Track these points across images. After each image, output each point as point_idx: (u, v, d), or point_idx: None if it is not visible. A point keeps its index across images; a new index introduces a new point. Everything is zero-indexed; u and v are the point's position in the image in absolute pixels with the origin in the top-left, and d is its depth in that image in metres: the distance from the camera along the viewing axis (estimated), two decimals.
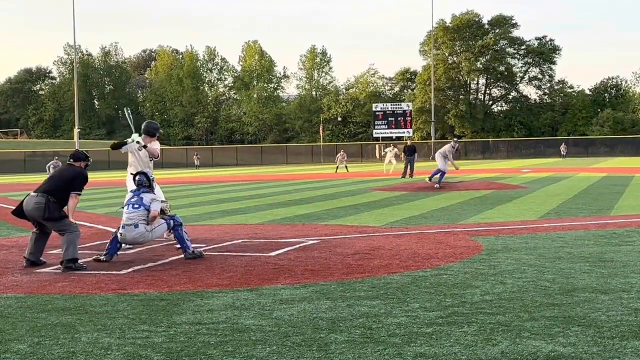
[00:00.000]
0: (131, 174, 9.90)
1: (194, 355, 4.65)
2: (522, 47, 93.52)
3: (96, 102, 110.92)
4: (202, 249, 9.41)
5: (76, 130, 70.61)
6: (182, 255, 8.88)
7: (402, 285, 6.87)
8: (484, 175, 32.23)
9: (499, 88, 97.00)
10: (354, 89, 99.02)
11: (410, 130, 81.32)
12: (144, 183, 9.16)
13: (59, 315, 5.90)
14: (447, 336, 4.95)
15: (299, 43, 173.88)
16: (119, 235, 8.77)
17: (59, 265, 8.25)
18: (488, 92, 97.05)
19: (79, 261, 8.26)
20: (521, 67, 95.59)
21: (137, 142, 9.99)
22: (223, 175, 43.07)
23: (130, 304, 6.25)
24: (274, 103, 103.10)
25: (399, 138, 78.37)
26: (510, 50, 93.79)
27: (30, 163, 68.35)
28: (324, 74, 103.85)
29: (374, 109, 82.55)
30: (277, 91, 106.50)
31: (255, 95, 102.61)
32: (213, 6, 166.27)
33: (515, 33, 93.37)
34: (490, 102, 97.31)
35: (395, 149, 39.91)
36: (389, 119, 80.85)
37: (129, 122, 10.44)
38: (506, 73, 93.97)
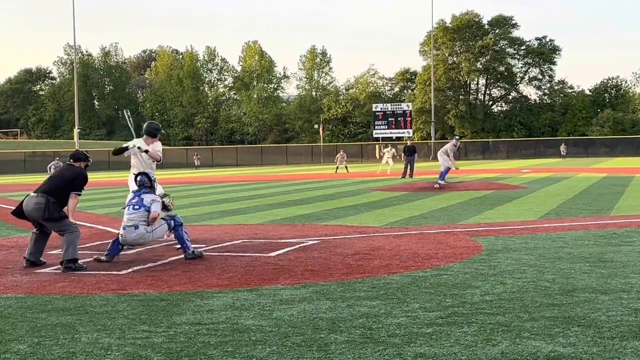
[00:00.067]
0: (133, 174, 9.90)
1: (193, 355, 4.65)
2: (522, 48, 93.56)
3: (96, 103, 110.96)
4: (202, 250, 9.41)
5: (76, 131, 70.64)
6: (182, 256, 8.88)
7: (402, 285, 6.87)
8: (484, 176, 32.23)
9: (499, 88, 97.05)
10: (354, 90, 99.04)
11: (410, 131, 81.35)
12: (146, 184, 9.16)
13: (59, 315, 5.90)
14: (447, 336, 4.95)
15: (299, 43, 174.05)
16: (120, 236, 8.78)
17: (59, 266, 8.25)
18: (488, 92, 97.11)
19: (79, 261, 8.26)
20: (521, 67, 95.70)
21: (139, 148, 9.97)
22: (223, 176, 43.08)
23: (130, 304, 6.25)
24: (274, 103, 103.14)
25: (399, 138, 78.41)
26: (510, 50, 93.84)
27: (30, 163, 68.35)
28: (324, 75, 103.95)
29: (374, 110, 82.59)
30: (277, 91, 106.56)
31: (255, 96, 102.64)
32: (213, 6, 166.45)
33: (515, 33, 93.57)
34: (490, 103, 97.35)
35: (394, 150, 39.80)
36: (389, 119, 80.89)
37: (129, 124, 10.43)
38: (506, 73, 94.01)
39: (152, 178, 9.32)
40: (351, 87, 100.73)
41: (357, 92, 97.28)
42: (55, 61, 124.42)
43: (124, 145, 10.23)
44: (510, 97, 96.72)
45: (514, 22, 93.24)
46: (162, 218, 9.05)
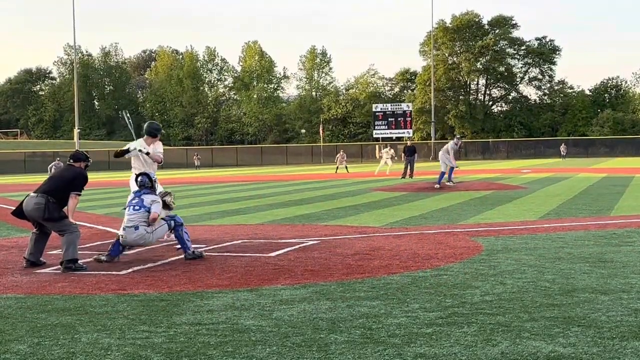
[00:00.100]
0: (135, 174, 9.89)
1: (193, 355, 4.65)
2: (522, 48, 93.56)
3: (96, 103, 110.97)
4: (202, 250, 9.41)
5: (76, 131, 70.64)
6: (182, 256, 8.88)
7: (402, 285, 6.87)
8: (484, 176, 32.24)
9: (499, 88, 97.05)
10: (354, 90, 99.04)
11: (410, 131, 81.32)
12: (146, 184, 9.16)
13: (59, 315, 5.90)
14: (447, 337, 4.95)
15: (299, 43, 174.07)
16: (120, 237, 8.78)
17: (59, 266, 8.25)
18: (488, 92, 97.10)
19: (79, 262, 8.26)
20: (521, 67, 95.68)
21: (140, 150, 9.95)
22: (223, 176, 43.08)
23: (130, 305, 6.25)
24: (273, 103, 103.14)
25: (399, 138, 78.40)
26: (510, 50, 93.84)
27: (30, 163, 68.35)
28: (324, 75, 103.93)
29: (374, 110, 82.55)
30: (277, 92, 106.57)
31: (255, 96, 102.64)
32: (213, 6, 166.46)
33: (515, 33, 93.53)
34: (490, 103, 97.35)
35: (392, 151, 39.66)
36: (389, 119, 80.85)
37: (129, 126, 10.42)
38: (506, 73, 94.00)
39: (153, 178, 9.32)
40: (351, 87, 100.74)
41: (357, 93, 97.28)
42: (55, 61, 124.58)
43: (125, 147, 10.21)
44: (510, 97, 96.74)
45: (514, 22, 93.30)
46: (162, 218, 9.05)
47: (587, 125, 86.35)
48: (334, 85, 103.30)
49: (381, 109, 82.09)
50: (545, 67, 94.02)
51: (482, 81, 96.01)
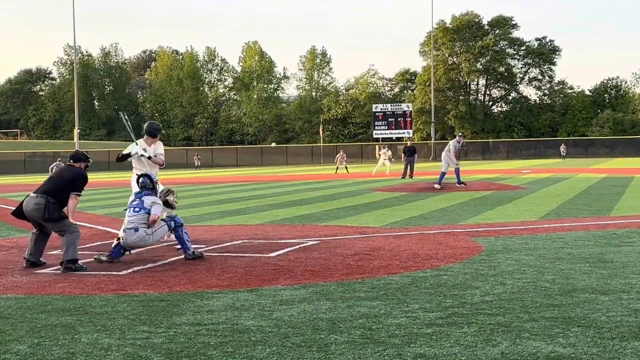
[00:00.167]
0: (136, 174, 9.88)
1: (193, 356, 4.65)
2: (522, 48, 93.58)
3: (96, 103, 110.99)
4: (202, 250, 9.41)
5: (76, 131, 70.68)
6: (182, 256, 8.88)
7: (402, 286, 6.88)
8: (483, 176, 32.24)
9: (499, 89, 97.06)
10: (354, 90, 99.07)
11: (410, 131, 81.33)
12: (148, 185, 9.16)
13: (59, 316, 5.90)
14: (447, 337, 4.95)
15: (299, 43, 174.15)
16: (121, 239, 8.79)
17: (59, 266, 8.25)
18: (488, 92, 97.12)
19: (79, 262, 8.26)
20: (521, 67, 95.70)
21: (142, 156, 9.93)
22: (223, 176, 43.08)
23: (130, 305, 6.25)
24: (273, 104, 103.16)
25: (399, 139, 78.41)
26: (510, 51, 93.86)
27: (30, 164, 68.36)
28: (324, 75, 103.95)
29: (374, 110, 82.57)
30: (277, 92, 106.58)
31: (255, 96, 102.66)
32: (213, 6, 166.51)
33: (515, 34, 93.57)
34: (490, 103, 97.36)
35: (390, 152, 39.56)
36: (389, 119, 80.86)
37: (127, 127, 10.39)
38: (506, 74, 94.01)
39: (155, 180, 9.32)
40: (351, 87, 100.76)
41: (357, 93, 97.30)
42: (55, 61, 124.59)
43: (126, 151, 10.16)
44: (510, 97, 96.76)
45: (514, 22, 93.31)
46: (162, 219, 9.04)
47: (587, 126, 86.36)
48: (334, 85, 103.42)
49: (381, 109, 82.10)
50: (545, 67, 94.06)
51: (482, 81, 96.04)
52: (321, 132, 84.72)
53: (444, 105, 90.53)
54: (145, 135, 10.21)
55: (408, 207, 16.09)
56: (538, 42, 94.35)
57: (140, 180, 9.26)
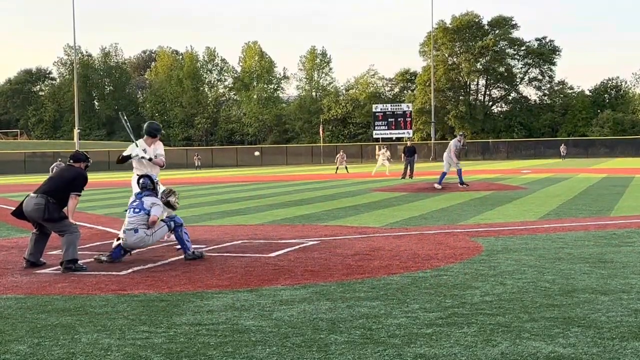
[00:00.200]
0: (137, 175, 9.88)
1: (193, 356, 4.65)
2: (522, 48, 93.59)
3: (96, 103, 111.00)
4: (202, 250, 9.41)
5: (76, 131, 70.69)
6: (182, 256, 8.88)
7: (402, 286, 6.88)
8: (483, 176, 32.24)
9: (499, 89, 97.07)
10: (354, 90, 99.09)
11: (410, 131, 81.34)
12: (148, 186, 9.15)
13: (59, 316, 5.90)
14: (447, 337, 4.95)
15: (299, 43, 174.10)
16: (121, 240, 8.79)
17: (59, 266, 8.25)
18: (488, 93, 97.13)
19: (79, 262, 8.26)
20: (521, 68, 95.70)
21: (142, 158, 9.92)
22: (223, 176, 43.08)
23: (130, 305, 6.25)
24: (273, 104, 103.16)
25: (399, 139, 78.42)
26: (510, 51, 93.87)
27: (30, 164, 68.36)
28: (324, 75, 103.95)
29: (373, 110, 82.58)
30: (277, 92, 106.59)
31: (255, 96, 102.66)
32: (213, 6, 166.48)
33: (515, 34, 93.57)
34: (490, 103, 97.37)
35: (388, 152, 39.52)
36: (389, 119, 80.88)
37: (126, 128, 10.38)
38: (506, 74, 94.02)
39: (155, 180, 9.32)
40: (351, 87, 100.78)
41: (357, 93, 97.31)
42: (55, 62, 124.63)
43: (126, 153, 10.14)
44: (510, 97, 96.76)
45: (513, 22, 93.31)
46: (162, 220, 9.04)
47: (587, 126, 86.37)
48: (334, 85, 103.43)
49: (381, 109, 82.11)
50: (545, 67, 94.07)
51: (482, 81, 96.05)
52: (321, 132, 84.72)
53: (444, 105, 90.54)
54: (145, 136, 10.20)
55: (408, 207, 16.09)
56: (538, 42, 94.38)
57: (141, 180, 9.26)
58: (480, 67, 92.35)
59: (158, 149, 10.16)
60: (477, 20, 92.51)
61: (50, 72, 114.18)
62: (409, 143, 37.91)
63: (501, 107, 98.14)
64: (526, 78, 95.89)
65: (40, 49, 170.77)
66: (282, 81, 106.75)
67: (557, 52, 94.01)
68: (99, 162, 58.76)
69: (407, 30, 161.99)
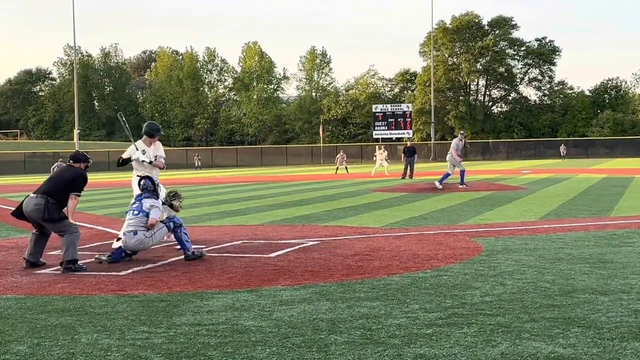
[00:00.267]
0: (137, 176, 9.87)
1: (193, 356, 4.65)
2: (522, 49, 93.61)
3: (96, 103, 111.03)
4: (202, 249, 9.40)
5: (76, 132, 70.70)
6: (182, 257, 8.88)
7: (402, 286, 6.87)
8: (483, 177, 32.23)
9: (499, 89, 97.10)
10: (354, 90, 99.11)
11: (410, 132, 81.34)
12: (149, 187, 9.15)
13: (59, 316, 5.90)
14: (447, 337, 4.95)
15: (299, 43, 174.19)
16: (121, 242, 8.79)
17: (59, 267, 8.25)
18: (488, 93, 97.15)
19: (79, 262, 8.26)
20: (521, 68, 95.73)
21: (143, 161, 9.91)
22: (223, 177, 43.08)
23: (130, 305, 6.25)
24: (273, 104, 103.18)
25: (399, 139, 78.43)
26: (510, 51, 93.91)
27: (30, 164, 68.35)
28: (323, 75, 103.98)
29: (373, 110, 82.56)
30: (277, 92, 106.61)
31: (255, 97, 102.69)
32: (213, 6, 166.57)
33: (515, 34, 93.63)
34: (490, 103, 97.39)
35: (386, 152, 39.48)
36: (389, 120, 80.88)
37: (125, 128, 10.37)
38: (506, 74, 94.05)
39: (156, 182, 9.32)
40: (351, 87, 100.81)
41: (357, 93, 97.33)
42: (55, 62, 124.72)
43: (125, 156, 10.12)
44: (510, 98, 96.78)
45: (513, 23, 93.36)
46: (161, 221, 9.02)
47: (587, 126, 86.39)
48: (334, 85, 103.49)
49: (381, 109, 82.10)
50: (545, 67, 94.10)
51: (482, 82, 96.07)
52: (321, 132, 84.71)
53: (444, 105, 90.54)
54: (144, 136, 10.19)
55: (408, 208, 16.09)
56: (538, 42, 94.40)
57: (142, 182, 9.26)
58: (480, 67, 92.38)
59: (158, 150, 10.15)
60: (477, 20, 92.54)
61: (50, 73, 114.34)
62: (409, 143, 37.91)
63: (501, 107, 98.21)
64: (526, 78, 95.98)
65: (40, 49, 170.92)
66: (282, 81, 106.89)
67: (557, 53, 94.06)
68: (99, 163, 58.75)
69: (407, 30, 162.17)
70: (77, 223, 8.75)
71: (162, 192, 9.78)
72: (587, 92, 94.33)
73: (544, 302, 6.02)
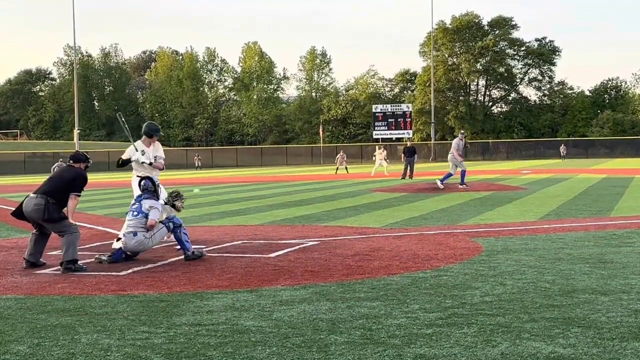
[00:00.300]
0: (137, 176, 9.87)
1: (193, 356, 4.65)
2: (522, 49, 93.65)
3: (96, 104, 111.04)
4: (202, 249, 9.40)
5: (76, 132, 70.72)
6: (182, 257, 8.88)
7: (402, 286, 6.87)
8: (483, 177, 32.23)
9: (499, 89, 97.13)
10: (354, 90, 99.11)
11: (410, 132, 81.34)
12: (149, 188, 9.15)
13: (59, 316, 5.90)
14: (447, 337, 4.95)
15: (299, 43, 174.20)
16: (122, 243, 8.79)
17: (59, 267, 8.25)
18: (488, 93, 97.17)
19: (79, 262, 8.26)
20: (521, 68, 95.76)
21: (143, 162, 9.90)
22: (223, 177, 43.08)
23: (130, 305, 6.25)
24: (273, 104, 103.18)
25: (399, 139, 78.43)
26: (510, 51, 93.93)
27: (30, 164, 68.36)
28: (323, 75, 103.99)
29: (373, 110, 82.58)
30: (277, 92, 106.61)
31: (255, 97, 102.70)
32: (213, 6, 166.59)
33: (515, 34, 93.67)
34: (490, 104, 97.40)
35: (385, 152, 39.43)
36: (389, 120, 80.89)
37: (124, 129, 10.37)
38: (506, 74, 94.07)
39: (157, 183, 9.31)
40: (351, 88, 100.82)
41: (357, 93, 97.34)
42: (55, 62, 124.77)
43: (125, 157, 10.10)
44: (510, 98, 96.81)
45: (513, 23, 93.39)
46: (160, 221, 9.02)
47: (587, 126, 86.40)
48: (334, 86, 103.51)
49: (381, 109, 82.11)
50: (545, 67, 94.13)
51: (482, 82, 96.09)
52: (321, 132, 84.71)
53: (444, 105, 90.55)
54: (144, 136, 10.19)
55: (408, 208, 16.09)
56: (538, 42, 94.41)
57: (143, 183, 9.25)
58: (480, 67, 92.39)
59: (158, 150, 10.15)
60: (477, 20, 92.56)
61: (50, 73, 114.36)
62: (409, 143, 37.92)
63: (501, 107, 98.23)
64: (526, 78, 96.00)
65: (40, 49, 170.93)
66: (282, 81, 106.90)
67: (557, 53, 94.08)
68: (99, 163, 58.75)
69: (407, 30, 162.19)
70: (77, 223, 8.75)
71: (163, 193, 9.78)
72: (587, 92, 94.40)
73: (544, 302, 6.02)
